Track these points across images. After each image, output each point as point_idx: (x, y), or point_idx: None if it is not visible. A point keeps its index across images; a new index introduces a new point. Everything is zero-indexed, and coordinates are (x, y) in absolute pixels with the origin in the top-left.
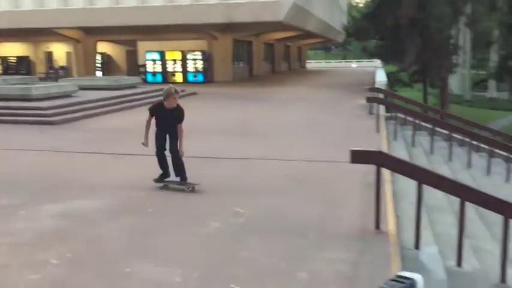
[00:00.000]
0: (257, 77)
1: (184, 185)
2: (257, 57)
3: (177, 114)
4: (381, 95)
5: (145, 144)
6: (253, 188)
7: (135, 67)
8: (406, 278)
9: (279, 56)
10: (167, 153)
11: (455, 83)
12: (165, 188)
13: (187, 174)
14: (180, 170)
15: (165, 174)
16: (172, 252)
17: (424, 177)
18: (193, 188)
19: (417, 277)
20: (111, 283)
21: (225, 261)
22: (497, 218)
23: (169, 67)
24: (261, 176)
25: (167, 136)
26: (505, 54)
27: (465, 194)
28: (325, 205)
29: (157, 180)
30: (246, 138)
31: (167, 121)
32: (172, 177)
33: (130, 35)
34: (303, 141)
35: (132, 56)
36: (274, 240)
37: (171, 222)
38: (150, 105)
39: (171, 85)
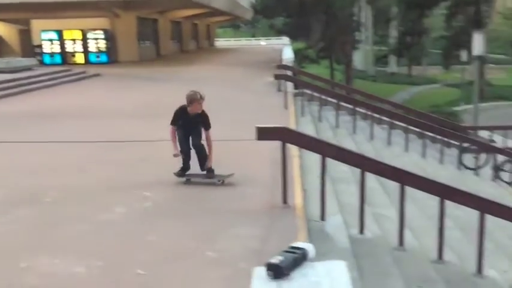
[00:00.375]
0: (165, 56)
1: (212, 177)
2: (164, 35)
3: (202, 120)
4: (289, 72)
5: (177, 154)
6: (160, 170)
7: (30, 48)
8: (298, 248)
9: (187, 34)
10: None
11: (359, 59)
12: (188, 182)
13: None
14: (205, 162)
15: (185, 167)
16: (73, 243)
17: (327, 150)
18: (223, 181)
19: (308, 246)
20: (4, 281)
21: (131, 247)
22: (395, 186)
23: (69, 47)
24: (167, 158)
25: (190, 137)
26: (403, 30)
27: (365, 164)
28: (234, 183)
29: (178, 175)
30: (153, 120)
31: (190, 127)
32: (194, 170)
33: (21, 12)
34: (211, 120)
35: (25, 36)
36: (183, 222)
37: (72, 210)
38: (174, 111)
39: (195, 90)
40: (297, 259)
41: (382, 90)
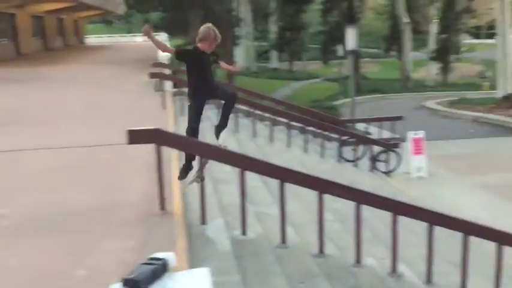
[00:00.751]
0: (26, 55)
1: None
2: (24, 32)
3: (214, 54)
4: (167, 70)
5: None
6: (22, 183)
7: None
8: (157, 259)
9: (52, 30)
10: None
11: (241, 55)
12: (198, 180)
13: None
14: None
15: (188, 167)
16: None
17: (205, 151)
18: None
19: (169, 256)
20: None
21: None
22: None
23: None
24: (32, 169)
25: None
26: (282, 25)
27: (244, 163)
28: (107, 193)
29: (182, 177)
30: (15, 127)
31: (207, 66)
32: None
33: None
34: (82, 125)
35: None
36: (48, 240)
37: None
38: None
39: (209, 25)
40: (156, 271)
41: (265, 86)
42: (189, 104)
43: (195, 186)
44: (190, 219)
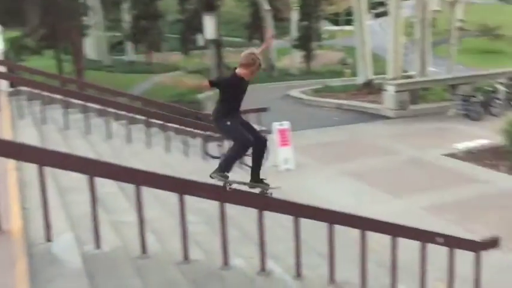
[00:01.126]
0: None
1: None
2: None
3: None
4: (1, 67)
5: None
6: None
7: None
8: None
9: None
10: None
11: (92, 47)
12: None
13: None
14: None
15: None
16: None
17: (43, 157)
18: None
19: None
20: None
21: None
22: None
23: None
24: None
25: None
26: (137, 13)
27: (92, 168)
28: None
29: (225, 177)
30: None
31: (243, 93)
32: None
33: None
34: None
35: None
36: None
37: None
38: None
39: (255, 51)
40: None
41: (121, 81)
42: (226, 123)
43: (37, 197)
44: (32, 237)
